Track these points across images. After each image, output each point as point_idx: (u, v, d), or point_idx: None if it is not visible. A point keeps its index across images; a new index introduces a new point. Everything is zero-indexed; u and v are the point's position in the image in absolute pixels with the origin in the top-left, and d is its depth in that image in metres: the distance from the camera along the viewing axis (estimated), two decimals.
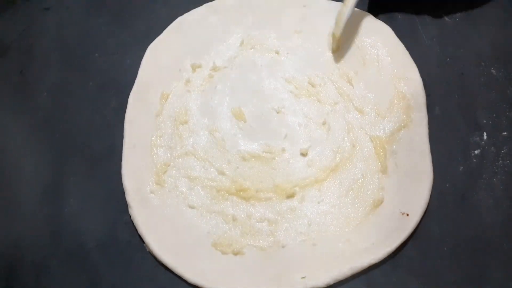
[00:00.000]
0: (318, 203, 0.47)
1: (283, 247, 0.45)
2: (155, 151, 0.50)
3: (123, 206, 0.48)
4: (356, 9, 0.54)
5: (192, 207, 0.47)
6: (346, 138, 0.49)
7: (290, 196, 0.47)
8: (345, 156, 0.48)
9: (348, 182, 0.47)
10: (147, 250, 0.46)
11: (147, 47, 0.55)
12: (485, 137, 0.49)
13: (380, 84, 0.51)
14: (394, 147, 0.48)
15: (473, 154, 0.48)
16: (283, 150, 0.49)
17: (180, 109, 0.52)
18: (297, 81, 0.52)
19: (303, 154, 0.48)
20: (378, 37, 0.53)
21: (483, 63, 0.52)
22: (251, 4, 0.56)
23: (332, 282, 0.43)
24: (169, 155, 0.50)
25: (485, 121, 0.49)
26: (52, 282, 0.47)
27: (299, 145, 0.49)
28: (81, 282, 0.46)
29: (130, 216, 0.48)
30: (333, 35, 0.52)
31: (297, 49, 0.53)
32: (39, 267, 0.47)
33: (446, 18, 0.54)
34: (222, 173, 0.48)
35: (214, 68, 0.53)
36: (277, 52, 0.53)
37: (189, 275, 0.45)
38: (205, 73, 0.53)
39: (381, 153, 0.48)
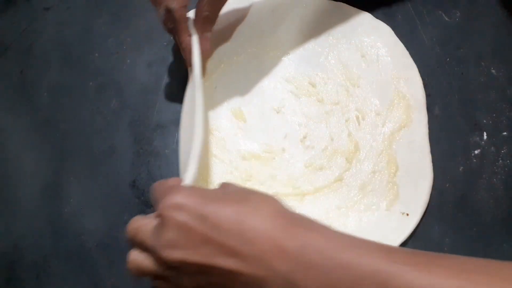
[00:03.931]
0: (318, 203, 0.47)
1: None
2: None
3: (123, 206, 0.49)
4: (355, 8, 0.54)
5: None
6: (346, 138, 0.49)
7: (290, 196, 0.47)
8: (345, 156, 0.48)
9: (349, 182, 0.47)
10: None
11: (147, 47, 0.55)
12: (485, 137, 0.49)
13: (380, 84, 0.51)
14: (394, 147, 0.48)
15: (473, 154, 0.48)
16: (283, 150, 0.49)
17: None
18: (297, 81, 0.52)
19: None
20: (377, 37, 0.53)
21: (483, 63, 0.52)
22: (251, 4, 0.56)
23: None
24: None
25: (485, 121, 0.49)
26: (52, 282, 0.47)
27: (299, 145, 0.49)
28: (81, 281, 0.46)
29: (130, 216, 0.48)
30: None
31: (297, 49, 0.53)
32: (39, 267, 0.47)
33: (446, 18, 0.54)
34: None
35: (214, 68, 0.53)
36: (277, 52, 0.53)
37: None
38: (204, 73, 0.53)
39: (382, 153, 0.48)
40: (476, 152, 0.48)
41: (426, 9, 0.54)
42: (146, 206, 0.49)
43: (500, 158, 0.48)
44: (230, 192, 0.34)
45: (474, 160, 0.48)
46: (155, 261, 0.32)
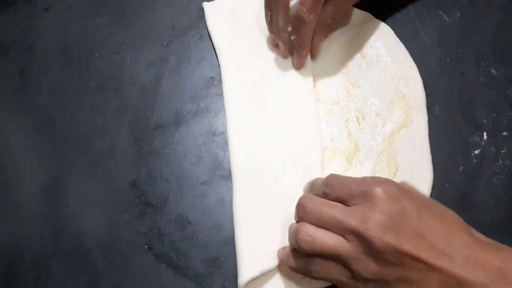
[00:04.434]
0: None
1: None
2: None
3: (123, 206, 0.49)
4: (355, 8, 0.54)
5: None
6: (346, 138, 0.49)
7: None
8: (345, 156, 0.48)
9: None
10: None
11: (147, 47, 0.55)
12: (485, 137, 0.49)
13: (380, 84, 0.51)
14: (394, 147, 0.48)
15: (473, 154, 0.48)
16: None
17: None
18: None
19: None
20: (377, 37, 0.53)
21: (483, 63, 0.52)
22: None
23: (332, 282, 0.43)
24: None
25: (485, 121, 0.49)
26: (52, 282, 0.47)
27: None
28: (81, 281, 0.46)
29: (130, 216, 0.48)
30: None
31: None
32: (39, 267, 0.47)
33: (446, 18, 0.54)
34: None
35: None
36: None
37: None
38: None
39: (382, 154, 0.48)
40: (476, 152, 0.48)
41: (426, 9, 0.54)
42: (146, 206, 0.49)
43: (500, 158, 0.48)
44: (428, 200, 0.37)
45: (474, 160, 0.48)
46: (349, 242, 0.34)
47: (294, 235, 0.37)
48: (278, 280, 0.43)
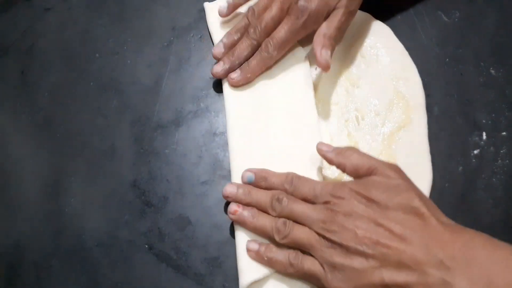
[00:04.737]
0: None
1: None
2: None
3: (124, 206, 0.49)
4: None
5: None
6: (345, 139, 0.49)
7: None
8: None
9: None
10: None
11: (147, 47, 0.55)
12: (484, 137, 0.49)
13: (379, 84, 0.51)
14: (394, 147, 0.48)
15: (472, 154, 0.48)
16: None
17: None
18: None
19: None
20: (377, 37, 0.53)
21: (482, 63, 0.52)
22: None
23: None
24: None
25: (484, 121, 0.49)
26: (53, 282, 0.47)
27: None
28: (81, 281, 0.47)
29: (130, 216, 0.48)
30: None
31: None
32: (40, 267, 0.48)
33: (445, 18, 0.54)
34: None
35: None
36: None
37: None
38: None
39: (381, 154, 0.48)
40: (475, 152, 0.48)
41: (426, 10, 0.54)
42: (147, 205, 0.49)
43: (499, 158, 0.48)
44: (390, 193, 0.38)
45: (473, 160, 0.48)
46: (318, 234, 0.39)
47: (276, 226, 0.41)
48: (279, 282, 0.43)
